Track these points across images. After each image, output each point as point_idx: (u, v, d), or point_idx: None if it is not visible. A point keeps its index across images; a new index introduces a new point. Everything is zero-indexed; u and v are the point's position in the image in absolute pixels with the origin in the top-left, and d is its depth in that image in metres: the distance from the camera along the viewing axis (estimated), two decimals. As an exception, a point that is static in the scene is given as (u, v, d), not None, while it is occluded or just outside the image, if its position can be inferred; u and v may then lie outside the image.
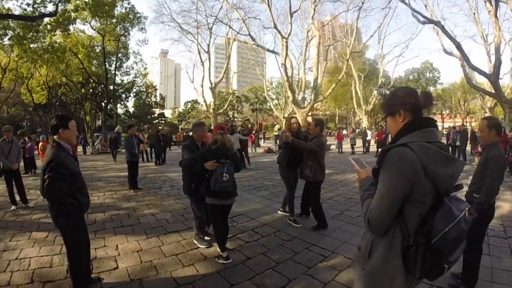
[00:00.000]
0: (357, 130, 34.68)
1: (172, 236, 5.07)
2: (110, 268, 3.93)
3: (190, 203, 4.91)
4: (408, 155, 1.45)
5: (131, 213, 6.52)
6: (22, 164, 8.18)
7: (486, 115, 35.34)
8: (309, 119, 26.19)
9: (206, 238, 4.78)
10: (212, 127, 11.93)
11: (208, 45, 35.19)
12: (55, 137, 3.19)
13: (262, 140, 35.77)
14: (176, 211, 6.63)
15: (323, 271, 3.83)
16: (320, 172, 5.37)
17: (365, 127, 28.70)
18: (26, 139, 15.35)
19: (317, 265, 4.00)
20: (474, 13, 24.86)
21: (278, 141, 26.76)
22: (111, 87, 35.60)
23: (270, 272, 3.81)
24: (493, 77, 17.67)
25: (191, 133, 22.68)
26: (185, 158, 4.49)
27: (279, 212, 6.42)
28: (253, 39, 28.18)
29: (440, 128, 39.82)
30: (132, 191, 8.74)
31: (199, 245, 4.65)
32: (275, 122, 50.81)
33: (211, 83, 35.46)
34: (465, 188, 3.49)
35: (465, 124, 29.35)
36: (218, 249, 4.25)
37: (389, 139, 17.55)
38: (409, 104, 1.62)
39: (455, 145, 15.35)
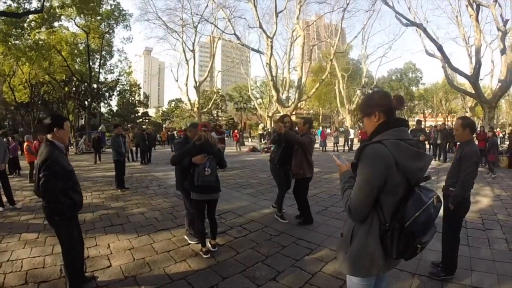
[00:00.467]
0: (340, 129, 35.14)
1: (163, 234, 5.15)
2: (104, 266, 3.98)
3: (183, 199, 5.05)
4: (382, 150, 1.64)
5: (120, 212, 6.56)
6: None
7: (467, 114, 36.36)
8: (293, 118, 26.41)
9: (192, 240, 4.84)
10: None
11: (193, 43, 35.12)
12: (48, 136, 3.22)
13: (249, 139, 35.82)
14: (164, 210, 6.70)
15: (310, 263, 4.01)
16: (308, 169, 5.49)
17: (347, 126, 29.12)
18: (10, 139, 15.10)
19: (304, 257, 4.18)
20: (456, 16, 25.43)
21: (262, 139, 26.95)
22: (95, 86, 34.90)
23: (260, 265, 3.96)
24: (473, 78, 18.17)
25: (175, 132, 22.55)
26: (174, 154, 4.59)
27: (271, 207, 6.55)
28: (238, 38, 28.29)
29: (422, 126, 40.64)
30: (119, 190, 8.72)
31: (189, 241, 4.78)
32: (259, 121, 50.93)
33: (196, 82, 35.34)
34: (443, 183, 3.72)
35: (446, 123, 30.06)
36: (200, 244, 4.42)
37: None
38: (383, 106, 1.82)
39: (436, 143, 15.74)
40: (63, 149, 3.36)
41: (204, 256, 4.23)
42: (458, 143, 3.84)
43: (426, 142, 12.83)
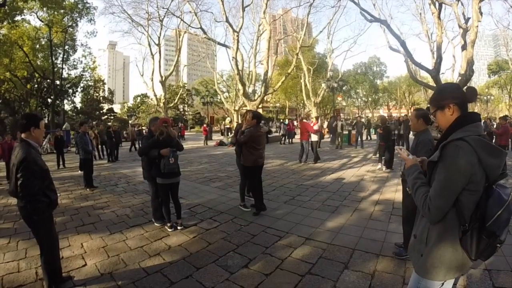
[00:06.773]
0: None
1: (135, 230, 5.19)
2: (79, 266, 3.95)
3: (149, 189, 5.70)
4: (465, 148, 1.59)
5: (91, 212, 6.48)
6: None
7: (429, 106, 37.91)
8: (260, 111, 26.56)
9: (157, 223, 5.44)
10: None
11: (159, 37, 34.47)
12: (23, 135, 3.21)
13: (228, 133, 35.06)
14: (135, 206, 6.70)
15: (279, 249, 4.21)
16: (247, 159, 5.98)
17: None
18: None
19: (274, 244, 4.39)
20: (420, 13, 26.43)
21: (229, 133, 26.99)
22: (58, 82, 33.41)
23: (232, 254, 4.12)
24: (434, 72, 18.96)
25: (143, 128, 22.01)
26: (141, 147, 5.41)
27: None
28: (205, 32, 27.90)
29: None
30: (88, 189, 8.56)
31: (155, 223, 5.43)
32: (226, 115, 50.86)
33: (161, 76, 34.75)
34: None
35: (408, 115, 31.28)
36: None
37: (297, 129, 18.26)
38: (457, 98, 1.77)
39: (399, 133, 16.34)
40: (38, 148, 3.36)
41: (169, 230, 5.06)
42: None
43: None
